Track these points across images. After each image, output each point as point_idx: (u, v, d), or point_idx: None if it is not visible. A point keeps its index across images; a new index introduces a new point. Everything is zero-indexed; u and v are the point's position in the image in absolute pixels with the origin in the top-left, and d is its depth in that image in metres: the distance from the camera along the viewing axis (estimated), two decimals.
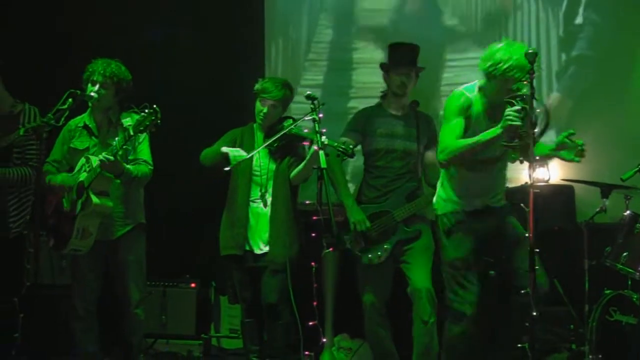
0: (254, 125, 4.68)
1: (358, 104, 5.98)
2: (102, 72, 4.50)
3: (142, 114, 4.18)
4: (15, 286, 4.30)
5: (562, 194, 5.51)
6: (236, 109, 5.57)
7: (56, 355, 5.14)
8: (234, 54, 6.28)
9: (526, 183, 3.83)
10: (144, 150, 4.58)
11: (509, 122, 3.75)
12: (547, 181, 5.32)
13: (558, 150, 4.00)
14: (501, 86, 3.96)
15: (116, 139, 4.39)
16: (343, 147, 4.35)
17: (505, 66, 3.91)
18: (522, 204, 3.87)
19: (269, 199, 4.52)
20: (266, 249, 4.50)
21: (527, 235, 3.79)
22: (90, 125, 4.60)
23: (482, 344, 4.19)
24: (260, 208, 4.53)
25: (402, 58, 4.83)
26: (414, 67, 4.83)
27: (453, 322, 4.15)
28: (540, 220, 4.08)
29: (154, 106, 4.15)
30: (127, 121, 4.49)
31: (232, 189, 4.59)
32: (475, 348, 4.16)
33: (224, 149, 4.53)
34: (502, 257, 4.23)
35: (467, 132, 4.06)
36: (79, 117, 4.65)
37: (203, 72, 6.25)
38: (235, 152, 4.50)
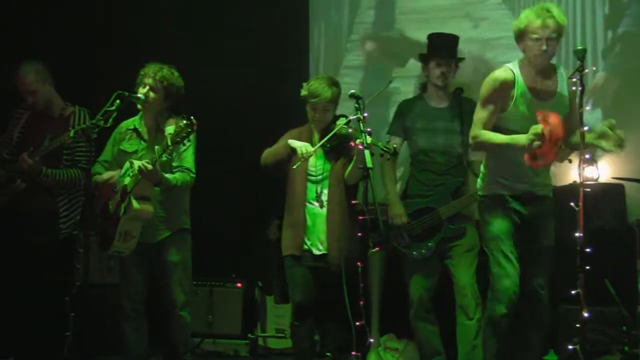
0: (311, 125, 4.63)
1: (400, 84, 6.01)
2: (152, 75, 4.54)
3: (180, 124, 4.20)
4: (66, 286, 4.37)
5: (612, 192, 5.40)
6: (282, 106, 5.59)
7: (106, 354, 5.22)
8: (279, 44, 6.30)
9: (575, 182, 3.78)
10: (187, 158, 4.58)
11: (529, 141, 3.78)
12: (596, 180, 5.28)
13: (599, 140, 3.92)
14: (530, 52, 3.93)
15: (156, 147, 4.41)
16: (387, 146, 4.32)
17: (522, 26, 3.91)
18: (571, 203, 3.80)
19: (325, 200, 4.50)
20: (324, 250, 4.47)
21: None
22: (140, 129, 4.64)
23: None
24: (317, 208, 4.51)
25: (442, 48, 4.77)
26: (454, 57, 4.78)
27: (496, 300, 4.07)
28: (590, 220, 4.01)
29: (191, 117, 4.16)
30: (170, 129, 4.48)
31: (289, 190, 4.57)
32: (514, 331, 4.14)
33: (292, 142, 4.49)
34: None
35: (508, 110, 4.03)
36: (130, 120, 4.69)
37: (248, 66, 6.25)
38: (304, 148, 4.43)
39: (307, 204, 4.51)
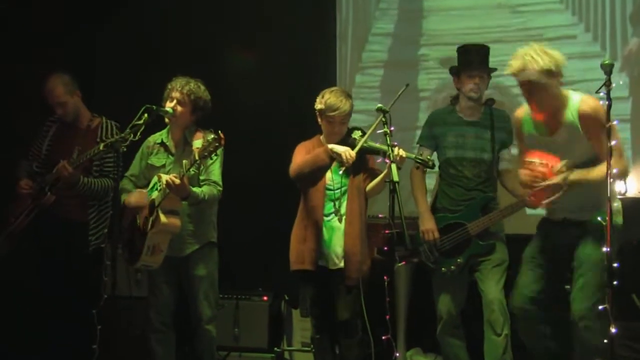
0: (321, 137, 4.62)
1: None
2: (180, 89, 4.58)
3: (208, 139, 4.21)
4: (94, 298, 4.40)
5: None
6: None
7: None
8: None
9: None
10: (214, 171, 4.60)
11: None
12: (624, 194, 5.23)
13: None
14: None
15: (184, 161, 4.44)
16: (421, 158, 4.31)
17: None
18: (599, 218, 3.78)
19: (343, 213, 4.49)
20: (341, 264, 4.45)
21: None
22: (167, 143, 4.67)
23: None
24: (335, 223, 4.49)
25: (473, 60, 4.69)
26: (486, 68, 4.72)
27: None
28: (618, 235, 4.00)
29: (219, 132, 4.17)
30: (197, 143, 4.50)
31: (306, 204, 4.55)
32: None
33: (334, 147, 4.35)
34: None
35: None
36: (158, 134, 4.74)
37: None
38: (348, 153, 4.28)
39: (325, 218, 4.49)
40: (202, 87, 4.65)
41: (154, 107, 4.49)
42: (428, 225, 4.67)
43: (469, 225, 4.62)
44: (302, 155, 4.54)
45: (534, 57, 3.89)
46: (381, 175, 4.39)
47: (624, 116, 5.54)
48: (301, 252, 4.52)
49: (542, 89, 3.94)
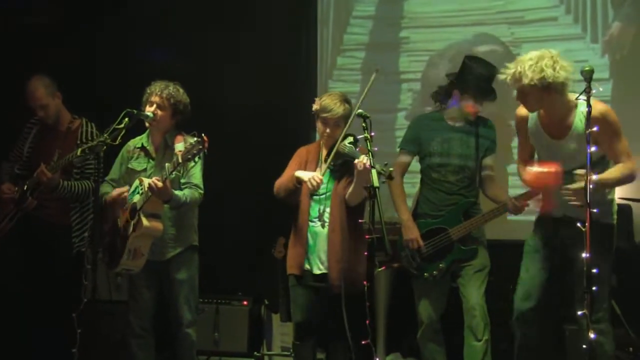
0: (321, 142, 4.58)
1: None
2: (159, 93, 4.56)
3: (191, 142, 4.19)
4: (74, 302, 4.38)
5: (619, 213, 5.39)
6: (292, 118, 5.64)
7: None
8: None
9: None
10: (195, 175, 4.59)
11: None
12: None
13: None
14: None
15: (166, 164, 4.44)
16: (383, 169, 4.11)
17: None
18: (578, 224, 3.80)
19: (327, 219, 4.46)
20: (325, 269, 4.42)
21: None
22: (147, 148, 4.66)
23: None
24: (319, 227, 4.46)
25: (474, 85, 4.58)
26: (492, 94, 4.64)
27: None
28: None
29: (202, 135, 4.15)
30: (179, 146, 4.50)
31: (295, 208, 4.52)
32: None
33: (299, 174, 4.40)
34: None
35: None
36: (137, 138, 4.72)
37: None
38: (313, 180, 4.28)
39: (310, 223, 4.48)
40: (181, 90, 4.64)
41: (135, 111, 4.48)
42: (412, 234, 4.66)
43: (450, 230, 4.63)
44: (292, 167, 4.53)
45: (526, 70, 3.88)
46: (354, 182, 4.29)
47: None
48: (291, 257, 4.52)
49: (536, 99, 3.95)
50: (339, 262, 4.34)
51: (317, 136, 4.62)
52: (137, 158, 4.68)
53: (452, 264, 4.64)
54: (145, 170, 4.62)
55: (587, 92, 3.69)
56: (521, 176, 4.27)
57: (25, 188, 4.85)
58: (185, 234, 4.65)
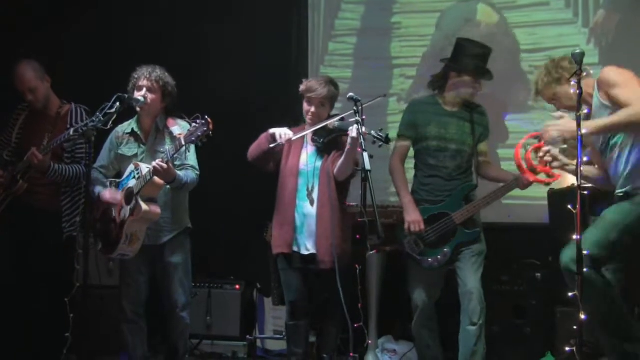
0: (305, 125, 4.59)
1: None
2: (147, 76, 4.54)
3: (194, 124, 4.17)
4: (66, 287, 4.38)
5: (609, 195, 5.42)
6: (284, 103, 5.62)
7: (106, 355, 5.22)
8: None
9: (573, 185, 3.78)
10: (190, 156, 4.60)
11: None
12: None
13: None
14: None
15: (166, 147, 4.42)
16: (379, 134, 4.18)
17: None
18: (569, 206, 3.81)
19: (316, 197, 4.46)
20: (313, 249, 4.43)
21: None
22: (138, 133, 4.64)
23: None
24: (307, 207, 4.46)
25: (471, 65, 4.58)
26: (488, 74, 4.65)
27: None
28: (588, 223, 4.04)
29: (206, 117, 4.14)
30: (177, 129, 4.52)
31: (280, 188, 4.53)
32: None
33: (272, 130, 4.44)
34: None
35: None
36: (126, 124, 4.69)
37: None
38: (283, 131, 4.39)
39: (298, 202, 4.47)
40: (167, 73, 4.63)
41: (126, 95, 4.46)
42: (414, 216, 4.61)
43: (453, 214, 4.60)
44: None
45: (538, 82, 4.11)
46: (345, 153, 4.28)
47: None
48: (278, 236, 4.51)
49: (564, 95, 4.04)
50: (329, 239, 4.35)
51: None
52: (127, 144, 4.65)
53: (456, 247, 4.61)
54: (136, 155, 4.60)
55: (578, 74, 3.71)
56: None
57: (15, 172, 4.83)
58: (180, 217, 4.67)
